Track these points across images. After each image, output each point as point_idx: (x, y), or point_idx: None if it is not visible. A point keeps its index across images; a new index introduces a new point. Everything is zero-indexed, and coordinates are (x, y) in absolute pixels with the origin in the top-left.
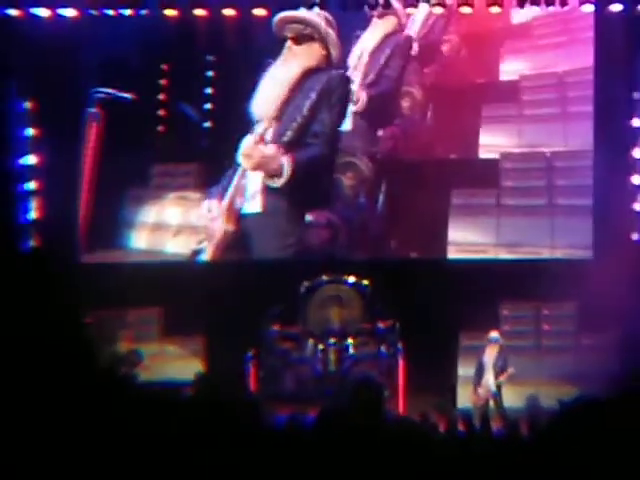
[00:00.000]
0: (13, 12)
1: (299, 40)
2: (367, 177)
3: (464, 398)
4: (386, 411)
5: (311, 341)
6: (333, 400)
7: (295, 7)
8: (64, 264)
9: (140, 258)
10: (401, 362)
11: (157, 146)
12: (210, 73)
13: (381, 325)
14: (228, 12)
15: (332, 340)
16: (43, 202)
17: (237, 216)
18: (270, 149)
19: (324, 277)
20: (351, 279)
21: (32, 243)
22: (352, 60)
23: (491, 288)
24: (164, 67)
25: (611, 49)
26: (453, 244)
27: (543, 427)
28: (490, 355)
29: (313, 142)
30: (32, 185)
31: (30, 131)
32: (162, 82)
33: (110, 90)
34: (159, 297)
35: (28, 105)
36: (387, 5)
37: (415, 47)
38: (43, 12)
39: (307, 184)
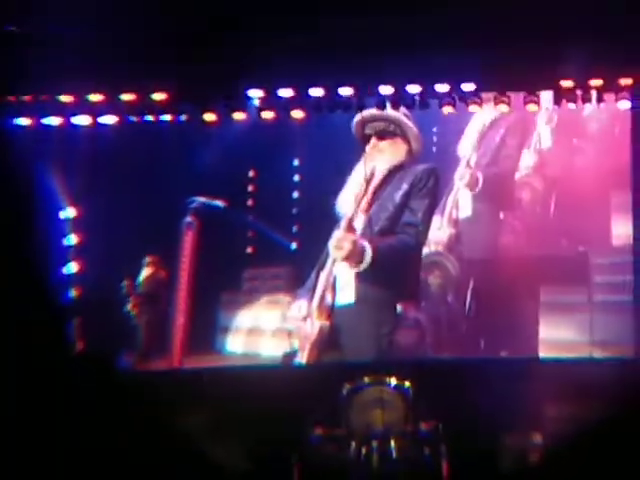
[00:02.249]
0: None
1: (382, 137)
2: (454, 275)
3: None
4: None
5: (354, 444)
6: None
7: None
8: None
9: (236, 362)
10: (445, 465)
11: (247, 251)
12: (296, 177)
13: (424, 427)
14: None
15: (375, 443)
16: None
17: (329, 311)
18: (354, 236)
19: (366, 379)
20: (393, 381)
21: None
22: (463, 148)
23: (536, 389)
24: (251, 174)
25: None
26: (545, 342)
27: None
28: (532, 457)
29: (404, 231)
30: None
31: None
32: (250, 188)
33: (203, 199)
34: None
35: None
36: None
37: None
38: (83, 121)
39: (394, 272)
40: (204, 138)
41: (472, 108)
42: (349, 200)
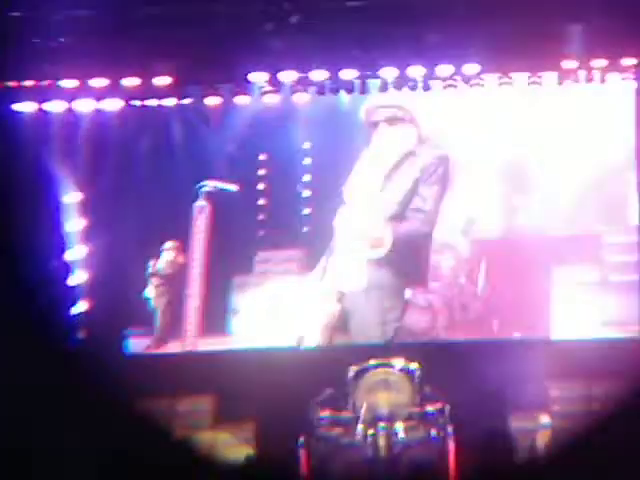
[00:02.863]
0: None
1: (392, 122)
2: (466, 257)
3: None
4: None
5: (361, 426)
6: None
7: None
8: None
9: (247, 344)
10: (452, 445)
11: (258, 234)
12: (307, 161)
13: (430, 408)
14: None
15: (381, 425)
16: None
17: (339, 295)
18: (372, 219)
19: (372, 361)
20: (399, 363)
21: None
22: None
23: (540, 369)
24: (262, 157)
25: None
26: (559, 323)
27: None
28: (541, 440)
29: (414, 217)
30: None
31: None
32: (261, 172)
33: (215, 183)
34: (211, 385)
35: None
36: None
37: None
38: (86, 106)
39: (406, 258)
40: (215, 122)
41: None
42: (359, 186)
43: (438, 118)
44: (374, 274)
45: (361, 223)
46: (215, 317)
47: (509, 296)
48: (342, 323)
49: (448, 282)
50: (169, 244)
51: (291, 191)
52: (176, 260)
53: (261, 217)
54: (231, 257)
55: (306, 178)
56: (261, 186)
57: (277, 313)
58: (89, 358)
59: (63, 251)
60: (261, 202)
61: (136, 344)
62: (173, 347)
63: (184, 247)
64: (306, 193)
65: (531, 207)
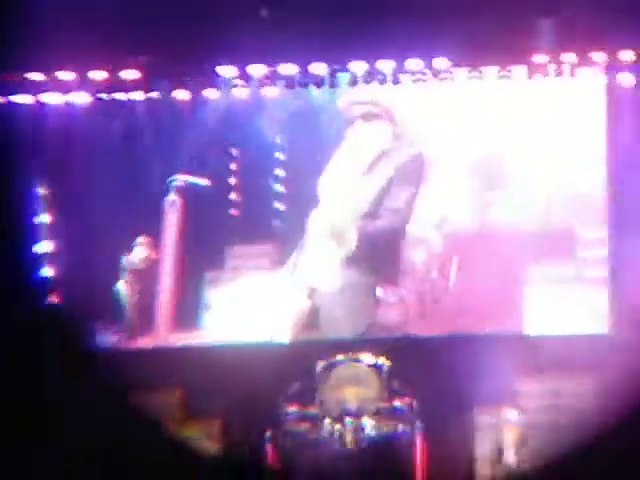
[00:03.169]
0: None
1: (368, 119)
2: (438, 252)
3: (482, 476)
4: None
5: (328, 421)
6: None
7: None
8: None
9: (219, 339)
10: (420, 440)
11: (230, 229)
12: (279, 155)
13: (398, 403)
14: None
15: (349, 420)
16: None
17: (309, 292)
18: (343, 219)
19: (340, 356)
20: (367, 358)
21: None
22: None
23: (507, 363)
24: (234, 151)
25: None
26: (532, 318)
27: None
28: (509, 435)
29: (386, 216)
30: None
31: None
32: (232, 166)
33: (187, 177)
34: (178, 380)
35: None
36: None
37: None
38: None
39: (377, 257)
40: (186, 116)
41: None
42: (332, 182)
43: (413, 114)
44: (345, 272)
45: (332, 221)
46: (187, 312)
47: (481, 291)
48: (312, 320)
49: (420, 277)
50: (141, 239)
51: (263, 186)
52: (148, 255)
53: (233, 212)
54: (203, 252)
55: (278, 172)
56: (233, 180)
57: (248, 308)
58: (56, 352)
59: (30, 245)
60: (233, 196)
61: (107, 339)
62: (144, 342)
63: (156, 242)
64: (278, 188)
65: (505, 202)
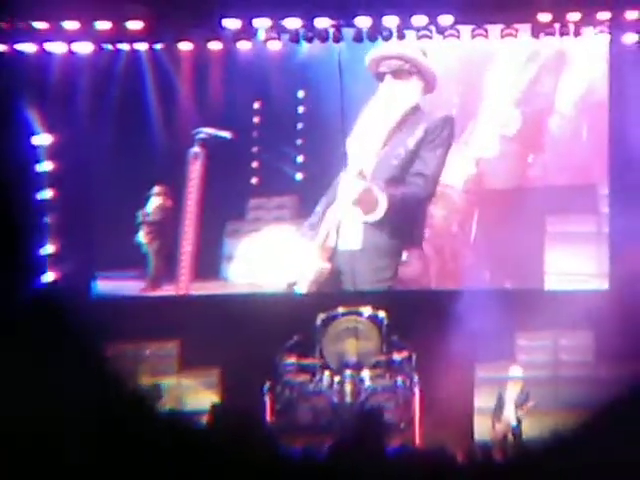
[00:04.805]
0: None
1: (398, 75)
2: (459, 207)
3: (481, 430)
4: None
5: (327, 373)
6: (349, 432)
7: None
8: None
9: (239, 290)
10: (417, 393)
11: (252, 181)
12: (301, 109)
13: (397, 357)
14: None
15: (348, 372)
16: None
17: (331, 253)
18: (370, 185)
19: (340, 309)
20: (367, 311)
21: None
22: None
23: (507, 319)
24: (256, 105)
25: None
26: (552, 274)
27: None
28: (511, 391)
29: (414, 181)
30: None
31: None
32: (255, 120)
33: (210, 130)
34: (176, 330)
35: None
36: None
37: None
38: (57, 48)
39: (402, 222)
40: (209, 68)
41: (449, 41)
42: (363, 140)
43: (444, 70)
44: (369, 235)
45: (359, 185)
46: (208, 262)
47: (501, 246)
48: (333, 280)
49: (440, 231)
50: (156, 189)
51: (285, 139)
52: (163, 204)
53: (254, 164)
54: (224, 203)
55: (300, 126)
56: (255, 134)
57: (267, 260)
58: (56, 300)
59: (33, 192)
60: (255, 149)
61: (130, 287)
62: (167, 290)
63: (171, 191)
64: (300, 141)
65: (538, 159)
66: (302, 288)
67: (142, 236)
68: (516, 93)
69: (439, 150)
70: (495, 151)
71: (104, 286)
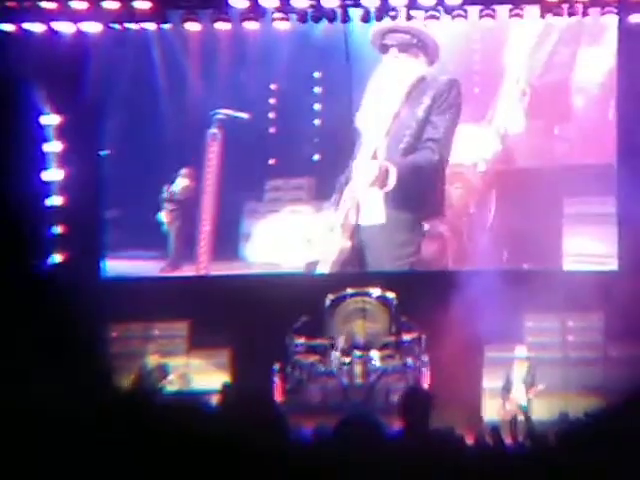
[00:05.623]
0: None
1: (403, 49)
2: (476, 187)
3: (490, 411)
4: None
5: (336, 354)
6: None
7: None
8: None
9: (257, 271)
10: (426, 374)
11: (269, 162)
12: (317, 89)
13: (406, 337)
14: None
15: (357, 353)
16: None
17: (352, 230)
18: (384, 163)
19: (349, 290)
20: (376, 292)
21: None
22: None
23: (515, 300)
24: (273, 86)
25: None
26: (570, 255)
27: (571, 440)
28: (519, 371)
29: (427, 146)
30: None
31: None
32: (272, 101)
33: (227, 111)
34: (186, 311)
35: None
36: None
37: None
38: (65, 28)
39: (421, 191)
40: (225, 50)
41: (458, 21)
42: (372, 118)
43: (449, 42)
44: (389, 208)
45: (374, 166)
46: (226, 242)
47: (519, 227)
48: (356, 258)
49: (458, 211)
50: (183, 170)
51: (302, 120)
52: (188, 185)
53: (272, 145)
54: (242, 184)
55: (317, 107)
56: (272, 115)
57: (286, 240)
58: (65, 280)
59: (40, 172)
60: (272, 130)
61: (150, 267)
62: (187, 271)
63: (196, 173)
64: (317, 122)
65: (564, 132)
66: (324, 268)
67: (164, 215)
68: (537, 66)
69: (448, 113)
70: (520, 127)
71: (121, 266)
